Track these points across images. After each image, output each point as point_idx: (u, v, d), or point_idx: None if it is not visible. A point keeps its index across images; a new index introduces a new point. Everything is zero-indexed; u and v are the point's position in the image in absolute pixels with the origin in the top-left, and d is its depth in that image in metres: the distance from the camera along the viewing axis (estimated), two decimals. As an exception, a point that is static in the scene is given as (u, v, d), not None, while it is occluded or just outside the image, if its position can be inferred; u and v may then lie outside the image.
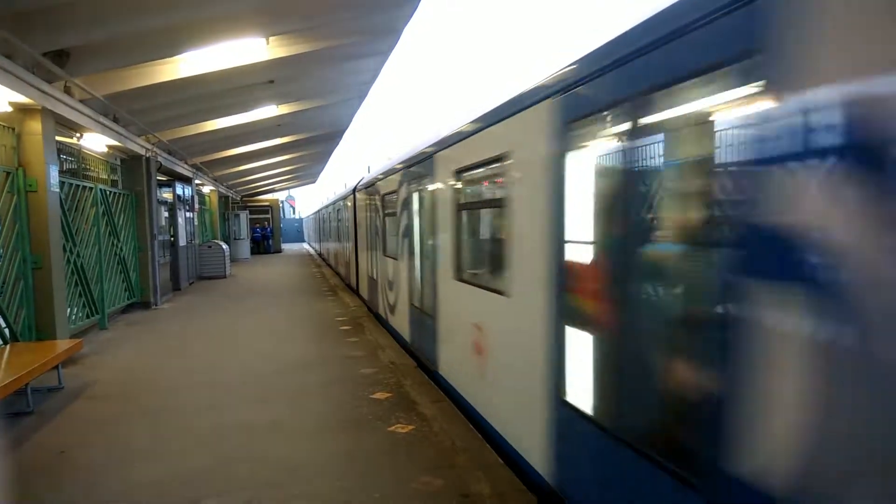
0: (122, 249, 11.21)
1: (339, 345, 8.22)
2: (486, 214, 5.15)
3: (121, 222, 11.27)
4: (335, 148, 25.21)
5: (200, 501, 3.70)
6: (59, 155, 8.34)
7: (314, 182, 41.08)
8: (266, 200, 36.84)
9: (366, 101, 15.63)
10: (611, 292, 2.81)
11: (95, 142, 9.67)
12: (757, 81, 1.89)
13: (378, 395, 5.75)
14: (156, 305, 12.52)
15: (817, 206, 1.69)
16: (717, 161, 2.13)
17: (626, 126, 2.63)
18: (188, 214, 17.23)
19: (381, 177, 9.81)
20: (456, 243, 5.34)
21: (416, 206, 7.01)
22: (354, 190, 13.68)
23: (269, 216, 36.36)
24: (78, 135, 9.16)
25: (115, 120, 10.15)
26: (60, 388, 6.30)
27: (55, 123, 7.85)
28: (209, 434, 4.89)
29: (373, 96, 15.88)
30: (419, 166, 6.74)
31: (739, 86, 2.00)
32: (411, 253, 7.33)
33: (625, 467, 2.65)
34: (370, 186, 10.97)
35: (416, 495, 3.69)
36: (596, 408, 2.99)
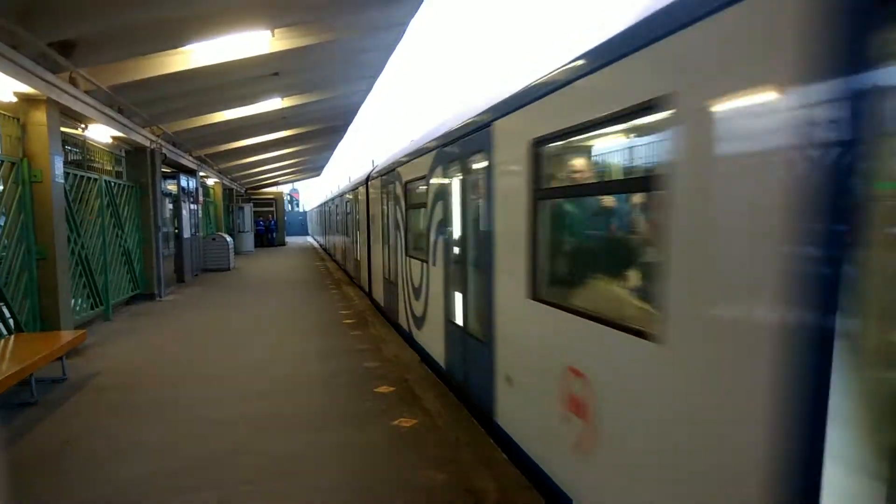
0: (126, 241, 11.22)
1: (343, 338, 8.21)
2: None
3: (125, 214, 11.27)
4: (340, 141, 25.20)
5: (204, 492, 3.70)
6: (64, 146, 8.34)
7: (318, 175, 41.10)
8: (270, 193, 36.86)
9: (370, 94, 15.59)
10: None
11: (100, 133, 9.66)
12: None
13: (382, 389, 5.74)
14: (160, 297, 12.54)
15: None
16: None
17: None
18: (192, 207, 17.24)
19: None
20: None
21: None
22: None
23: (273, 209, 36.38)
24: (83, 126, 9.16)
25: (120, 111, 10.14)
26: (64, 378, 6.32)
27: (60, 114, 7.84)
28: (213, 425, 4.89)
29: (377, 90, 15.78)
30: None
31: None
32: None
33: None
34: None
35: (419, 490, 3.67)
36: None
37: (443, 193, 5.85)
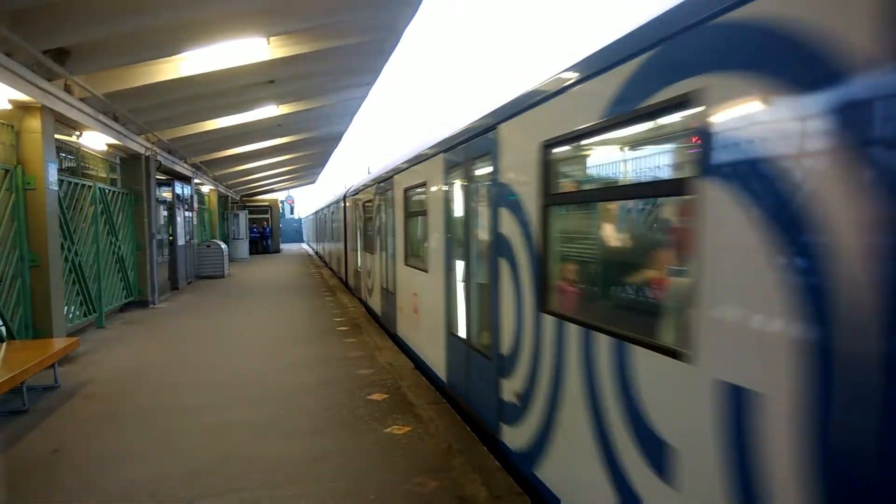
0: (120, 248, 11.19)
1: (336, 345, 8.20)
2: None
3: (119, 221, 11.25)
4: (335, 148, 25.22)
5: (195, 502, 3.69)
6: (58, 153, 8.33)
7: (314, 183, 41.09)
8: (265, 200, 36.85)
9: (366, 101, 15.65)
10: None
11: (95, 140, 9.65)
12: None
13: (375, 396, 5.73)
14: (154, 304, 12.50)
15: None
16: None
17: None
18: (187, 214, 17.20)
19: None
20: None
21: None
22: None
23: (268, 216, 36.37)
24: (77, 133, 9.15)
25: (115, 118, 10.14)
26: (56, 386, 6.28)
27: (55, 121, 7.84)
28: (205, 433, 4.87)
29: (373, 97, 15.86)
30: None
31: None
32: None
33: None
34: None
35: (411, 496, 3.67)
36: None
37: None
